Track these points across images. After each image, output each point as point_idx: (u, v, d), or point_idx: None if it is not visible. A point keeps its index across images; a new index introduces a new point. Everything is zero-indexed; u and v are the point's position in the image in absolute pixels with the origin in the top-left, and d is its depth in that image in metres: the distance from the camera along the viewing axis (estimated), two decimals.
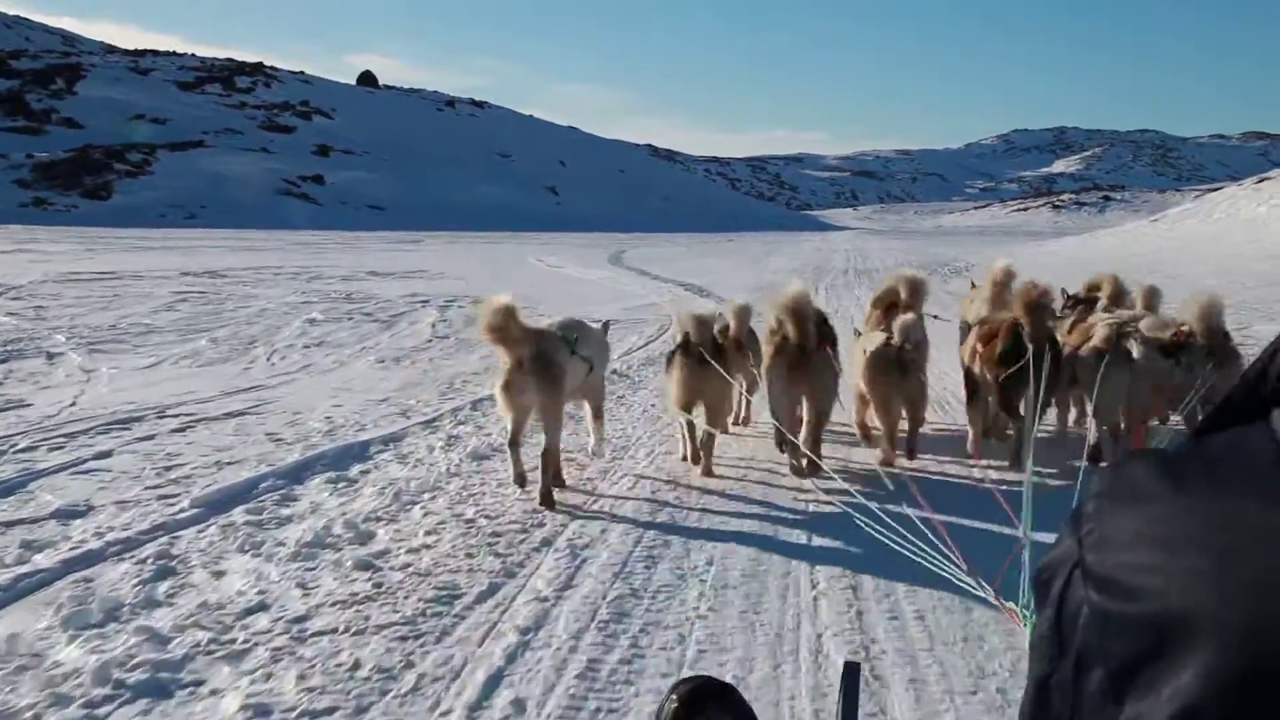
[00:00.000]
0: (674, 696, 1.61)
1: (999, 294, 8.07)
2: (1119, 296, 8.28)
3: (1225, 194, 41.65)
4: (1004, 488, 5.30)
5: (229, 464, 7.08)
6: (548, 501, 5.94)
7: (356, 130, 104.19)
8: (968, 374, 7.08)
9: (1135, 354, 6.52)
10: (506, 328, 5.80)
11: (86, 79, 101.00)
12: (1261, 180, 42.99)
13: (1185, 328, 6.53)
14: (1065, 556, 0.79)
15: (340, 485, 6.57)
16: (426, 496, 6.32)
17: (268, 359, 11.79)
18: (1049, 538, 0.87)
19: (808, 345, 6.34)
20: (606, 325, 7.24)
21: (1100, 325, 6.86)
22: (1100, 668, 0.73)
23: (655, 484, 6.69)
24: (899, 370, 6.61)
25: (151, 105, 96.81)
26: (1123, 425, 6.74)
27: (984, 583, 2.66)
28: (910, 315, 6.97)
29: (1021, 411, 6.44)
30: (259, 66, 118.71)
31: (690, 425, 6.71)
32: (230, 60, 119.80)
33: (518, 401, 5.91)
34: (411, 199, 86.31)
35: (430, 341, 13.37)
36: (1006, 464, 6.88)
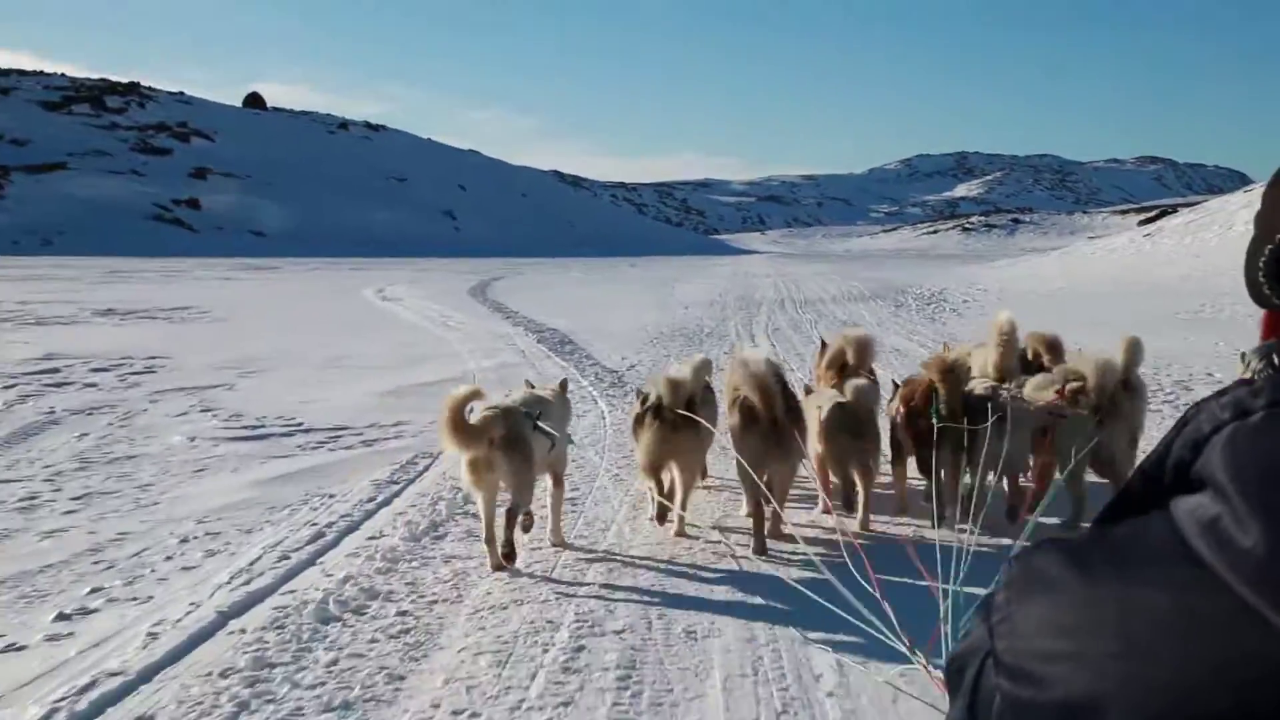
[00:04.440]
0: None
1: (1007, 347, 7.30)
2: (1056, 354, 7.63)
3: (1237, 199, 37.29)
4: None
5: None
6: (509, 558, 5.80)
7: (239, 153, 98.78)
8: (892, 432, 7.00)
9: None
10: (463, 426, 5.64)
11: None
12: None
13: (1077, 384, 6.41)
14: (977, 645, 0.81)
15: None
16: None
17: None
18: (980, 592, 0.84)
19: (779, 421, 6.26)
20: (564, 384, 7.12)
21: (977, 385, 6.79)
22: None
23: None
24: (853, 431, 6.62)
25: (10, 126, 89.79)
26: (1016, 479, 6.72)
27: (918, 651, 2.98)
28: (862, 380, 6.93)
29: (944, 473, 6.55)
30: (133, 86, 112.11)
31: (659, 486, 6.55)
32: (103, 80, 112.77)
33: (488, 478, 5.78)
34: (298, 225, 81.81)
35: None
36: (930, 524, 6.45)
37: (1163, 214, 63.54)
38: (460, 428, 5.62)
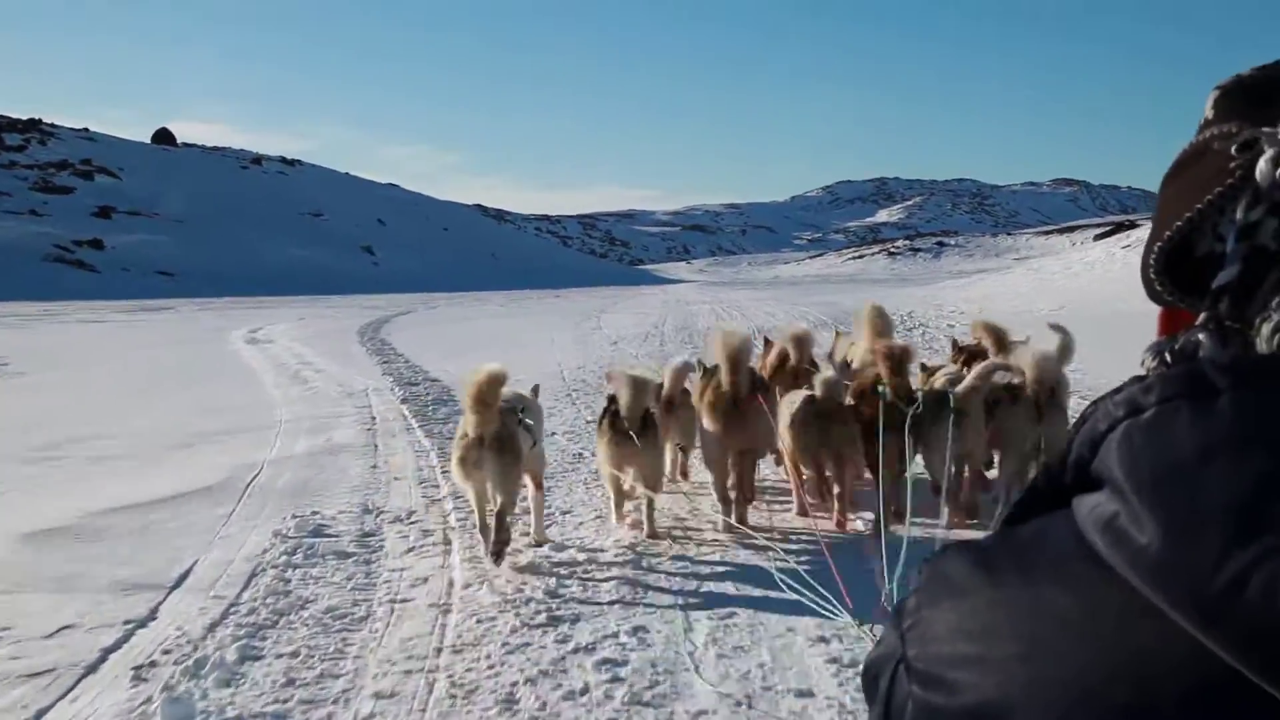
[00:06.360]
0: None
1: (875, 335, 7.94)
2: (1002, 345, 7.79)
3: None
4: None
5: None
6: (499, 558, 5.96)
7: (147, 191, 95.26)
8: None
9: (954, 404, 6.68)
10: (491, 401, 5.84)
11: None
12: None
13: (1014, 380, 6.73)
14: (890, 653, 0.81)
15: None
16: None
17: None
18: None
19: (740, 394, 6.54)
20: (536, 389, 7.06)
21: (940, 377, 7.09)
22: None
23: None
24: (824, 425, 6.60)
25: None
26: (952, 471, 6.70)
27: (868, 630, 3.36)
28: (830, 374, 6.94)
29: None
30: (34, 123, 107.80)
31: (618, 492, 6.67)
32: (1, 117, 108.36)
33: (477, 474, 5.93)
34: (208, 263, 78.62)
35: None
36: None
37: (1120, 227, 63.41)
38: (487, 403, 5.79)
